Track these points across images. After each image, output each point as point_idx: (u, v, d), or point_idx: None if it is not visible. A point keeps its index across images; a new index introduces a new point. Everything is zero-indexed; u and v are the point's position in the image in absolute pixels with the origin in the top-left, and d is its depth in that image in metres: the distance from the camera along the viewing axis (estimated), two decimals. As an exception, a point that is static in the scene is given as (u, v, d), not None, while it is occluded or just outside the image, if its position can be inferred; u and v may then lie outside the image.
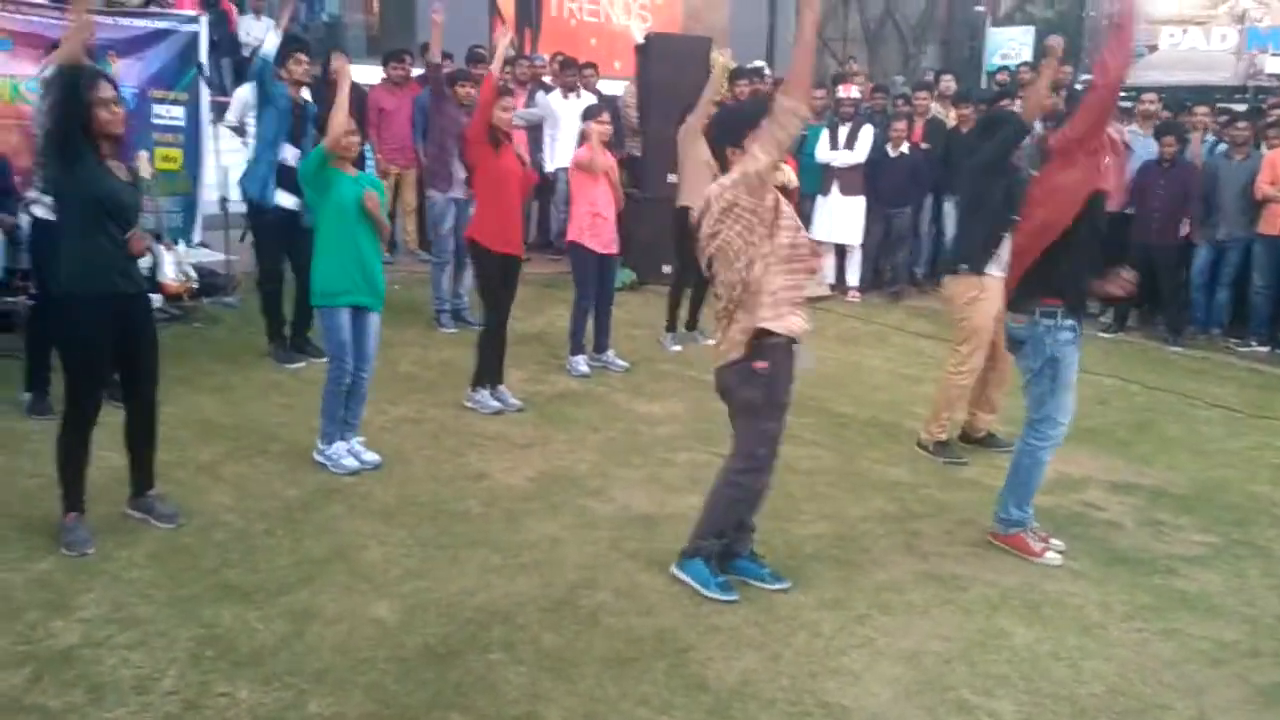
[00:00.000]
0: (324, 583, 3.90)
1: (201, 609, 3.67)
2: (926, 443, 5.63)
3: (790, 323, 3.67)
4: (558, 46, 13.35)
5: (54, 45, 5.94)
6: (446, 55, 9.28)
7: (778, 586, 4.01)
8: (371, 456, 5.07)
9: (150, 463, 4.38)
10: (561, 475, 5.08)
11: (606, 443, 5.58)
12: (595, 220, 6.68)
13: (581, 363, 6.81)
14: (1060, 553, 4.42)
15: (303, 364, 6.63)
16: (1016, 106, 9.04)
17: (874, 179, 9.42)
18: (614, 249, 6.81)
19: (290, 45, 8.70)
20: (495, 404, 5.95)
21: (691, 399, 6.31)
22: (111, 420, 4.21)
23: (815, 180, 9.37)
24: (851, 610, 3.89)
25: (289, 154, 6.74)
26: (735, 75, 9.84)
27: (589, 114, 6.79)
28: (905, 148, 9.43)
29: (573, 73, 10.07)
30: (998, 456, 5.41)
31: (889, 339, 8.28)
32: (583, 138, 6.74)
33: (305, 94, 6.80)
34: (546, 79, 10.56)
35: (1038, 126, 5.25)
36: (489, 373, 5.98)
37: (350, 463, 4.96)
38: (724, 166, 3.74)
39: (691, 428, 5.83)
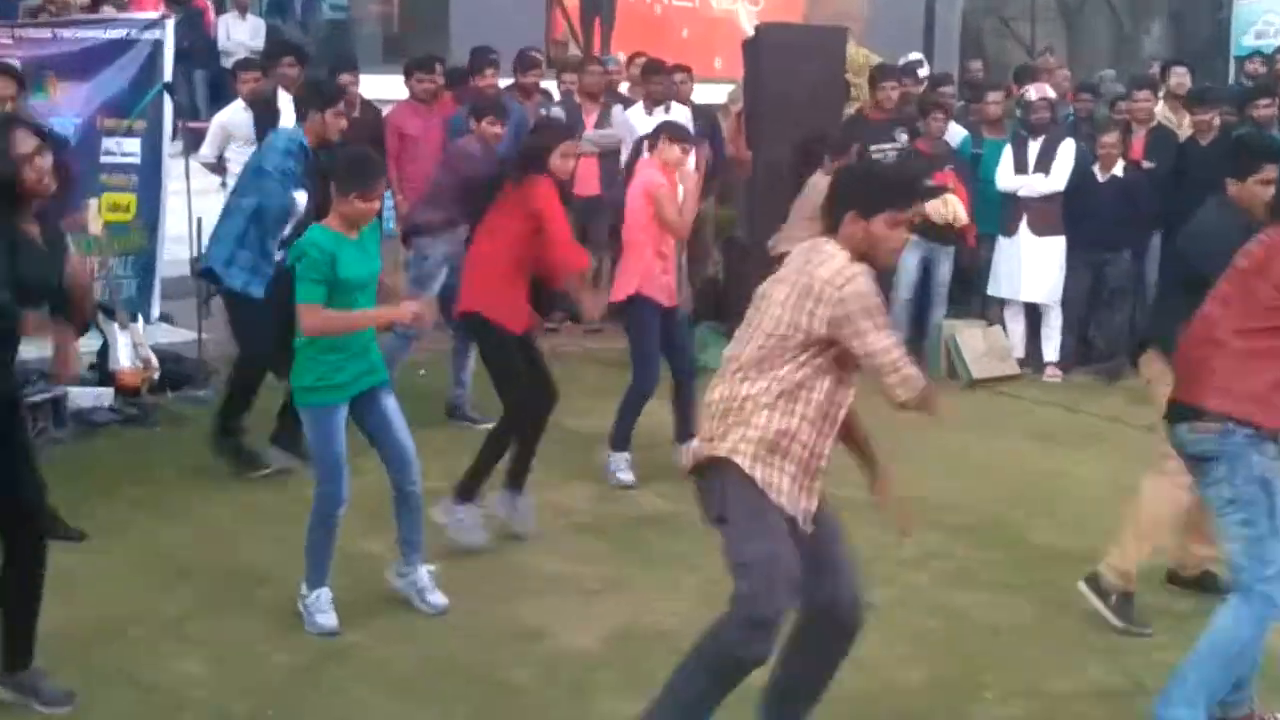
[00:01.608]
0: (326, 785, 3.95)
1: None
2: (1109, 586, 5.25)
3: None
4: (638, 42, 13.70)
5: None
6: (491, 58, 9.49)
7: None
8: (438, 600, 5.20)
9: (33, 628, 4.37)
10: (645, 633, 5.07)
11: (705, 586, 5.35)
12: (659, 263, 6.77)
13: (624, 466, 6.69)
14: None
15: (268, 470, 6.71)
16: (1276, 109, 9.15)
17: (1078, 213, 9.31)
18: (675, 300, 6.93)
19: (284, 54, 9.20)
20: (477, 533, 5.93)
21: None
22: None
23: (996, 216, 9.39)
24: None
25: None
26: (880, 74, 10.15)
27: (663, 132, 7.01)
28: (1120, 169, 9.33)
29: (659, 80, 10.20)
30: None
31: (1103, 436, 8.14)
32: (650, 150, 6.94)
33: None
34: (624, 88, 10.84)
35: None
36: (475, 482, 5.96)
37: (327, 621, 4.99)
38: (834, 225, 3.74)
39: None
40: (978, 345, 9.39)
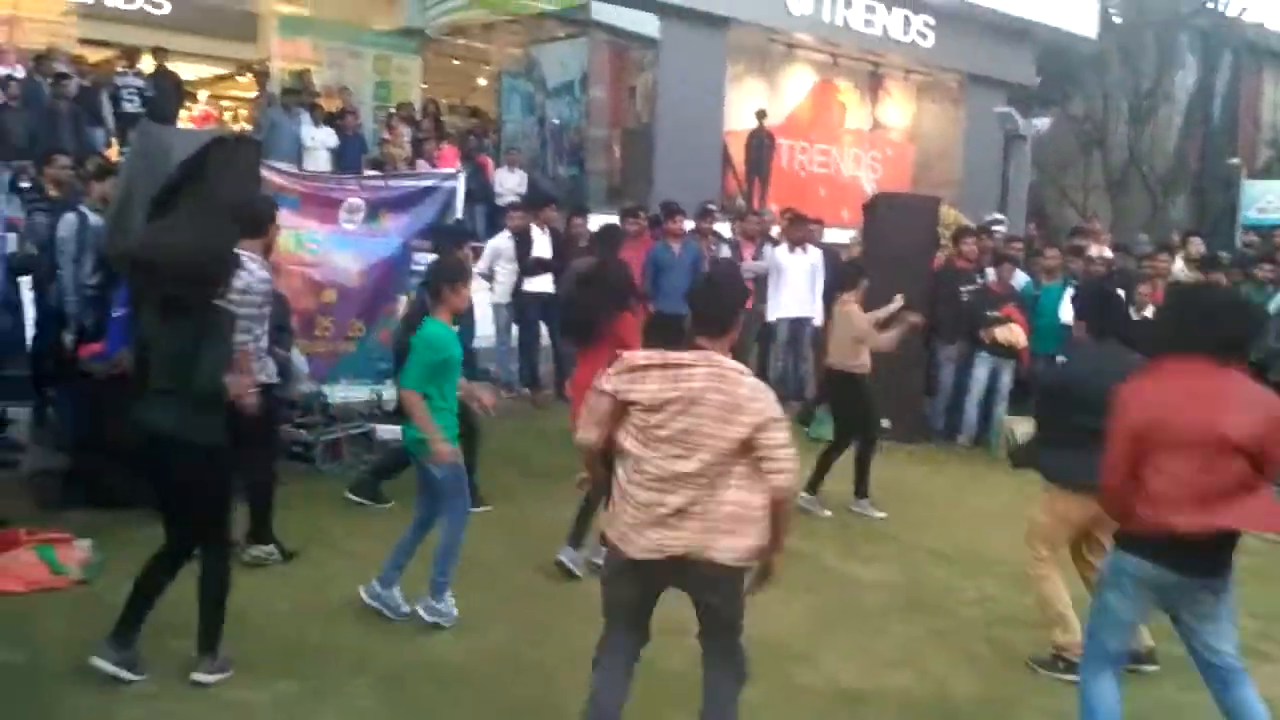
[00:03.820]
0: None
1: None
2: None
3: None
4: (787, 196, 14.15)
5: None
6: (679, 208, 9.53)
7: None
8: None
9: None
10: (764, 639, 4.76)
11: (814, 606, 5.38)
12: None
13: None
14: None
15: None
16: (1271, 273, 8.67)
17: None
18: None
19: (541, 200, 9.62)
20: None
21: (910, 563, 6.12)
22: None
23: (1055, 343, 8.96)
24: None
25: None
26: (961, 233, 9.89)
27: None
28: (1150, 312, 8.70)
29: (800, 227, 10.30)
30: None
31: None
32: None
33: None
34: (774, 231, 10.86)
35: None
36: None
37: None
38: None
39: (908, 596, 5.65)
40: (1029, 434, 8.92)
